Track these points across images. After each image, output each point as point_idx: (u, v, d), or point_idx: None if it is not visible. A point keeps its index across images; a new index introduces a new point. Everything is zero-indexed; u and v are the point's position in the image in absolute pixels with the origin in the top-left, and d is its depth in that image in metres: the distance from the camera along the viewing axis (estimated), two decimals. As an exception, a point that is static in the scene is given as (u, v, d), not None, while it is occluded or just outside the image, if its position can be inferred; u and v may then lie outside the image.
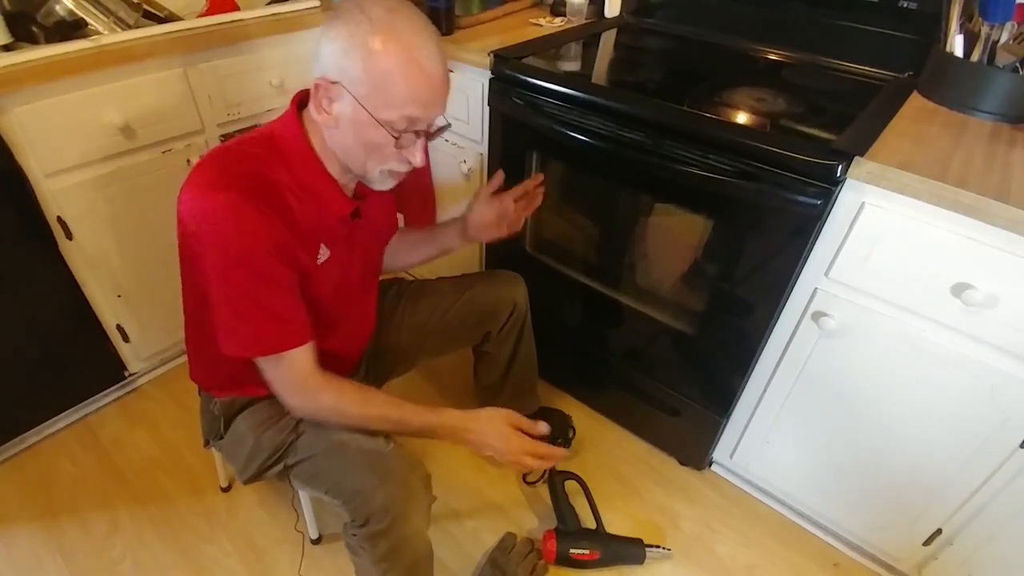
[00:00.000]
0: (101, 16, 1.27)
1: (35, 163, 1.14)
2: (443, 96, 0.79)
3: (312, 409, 0.88)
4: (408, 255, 1.19)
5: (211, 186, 0.75)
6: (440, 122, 0.82)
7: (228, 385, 0.97)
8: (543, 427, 0.96)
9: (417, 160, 0.80)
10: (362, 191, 0.91)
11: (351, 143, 0.79)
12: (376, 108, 0.74)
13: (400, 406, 0.89)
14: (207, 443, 1.05)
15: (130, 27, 1.29)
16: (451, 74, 1.37)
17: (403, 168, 0.82)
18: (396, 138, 0.76)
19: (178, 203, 0.78)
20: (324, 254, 0.87)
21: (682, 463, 1.45)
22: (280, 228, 0.77)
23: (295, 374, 0.84)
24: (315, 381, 0.85)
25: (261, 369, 0.85)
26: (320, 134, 0.81)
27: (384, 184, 0.85)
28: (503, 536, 1.25)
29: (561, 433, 1.44)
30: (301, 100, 0.83)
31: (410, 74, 0.73)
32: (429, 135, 0.81)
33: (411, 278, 1.32)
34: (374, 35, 0.71)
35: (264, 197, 0.76)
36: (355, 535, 0.89)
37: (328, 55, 0.74)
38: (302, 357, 0.84)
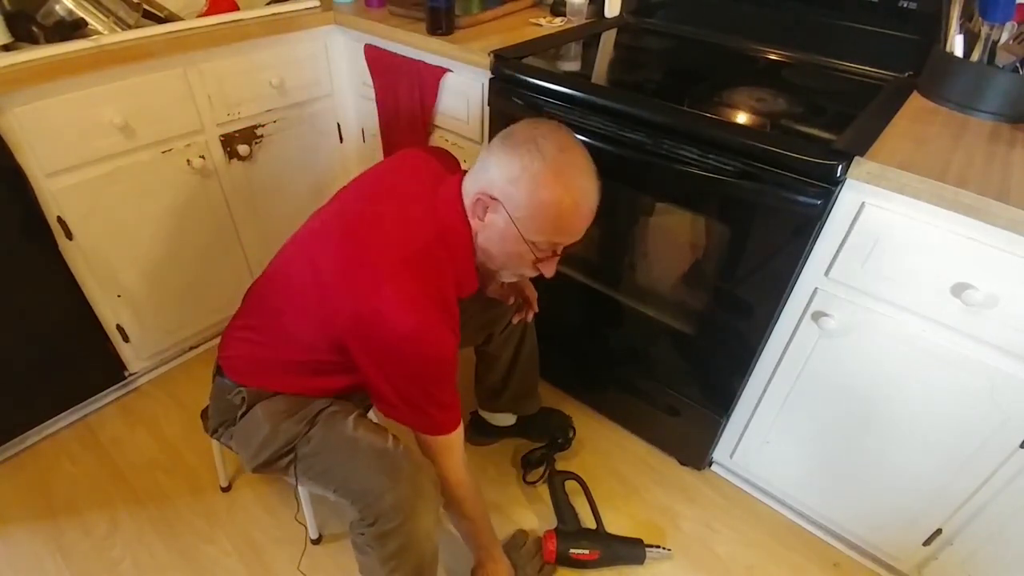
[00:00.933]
0: (101, 16, 1.27)
1: (35, 163, 1.14)
2: (587, 226, 0.86)
3: (443, 486, 0.94)
4: None
5: (413, 305, 0.79)
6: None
7: (268, 384, 0.96)
8: None
9: (549, 274, 0.90)
10: None
11: (495, 249, 0.87)
12: (527, 231, 0.83)
13: (486, 519, 1.07)
14: (215, 431, 1.03)
15: (130, 27, 1.29)
16: (451, 74, 1.37)
17: (533, 275, 0.91)
18: (537, 257, 0.86)
19: (359, 292, 0.80)
20: None
21: (682, 463, 1.45)
22: (457, 332, 0.85)
23: (450, 458, 0.94)
24: (459, 474, 0.96)
25: (419, 443, 0.93)
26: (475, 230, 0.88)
27: (508, 279, 0.94)
28: (514, 533, 1.25)
29: (561, 433, 1.45)
30: (459, 187, 0.88)
31: (566, 213, 0.82)
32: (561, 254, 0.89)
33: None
34: (545, 172, 0.79)
35: (450, 310, 0.84)
36: (363, 534, 0.89)
37: (496, 176, 0.82)
38: (456, 441, 0.93)
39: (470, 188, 0.86)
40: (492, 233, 0.85)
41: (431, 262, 0.84)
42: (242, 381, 0.97)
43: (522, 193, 0.80)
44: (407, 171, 0.96)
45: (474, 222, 0.86)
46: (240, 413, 0.97)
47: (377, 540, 0.88)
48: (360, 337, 0.82)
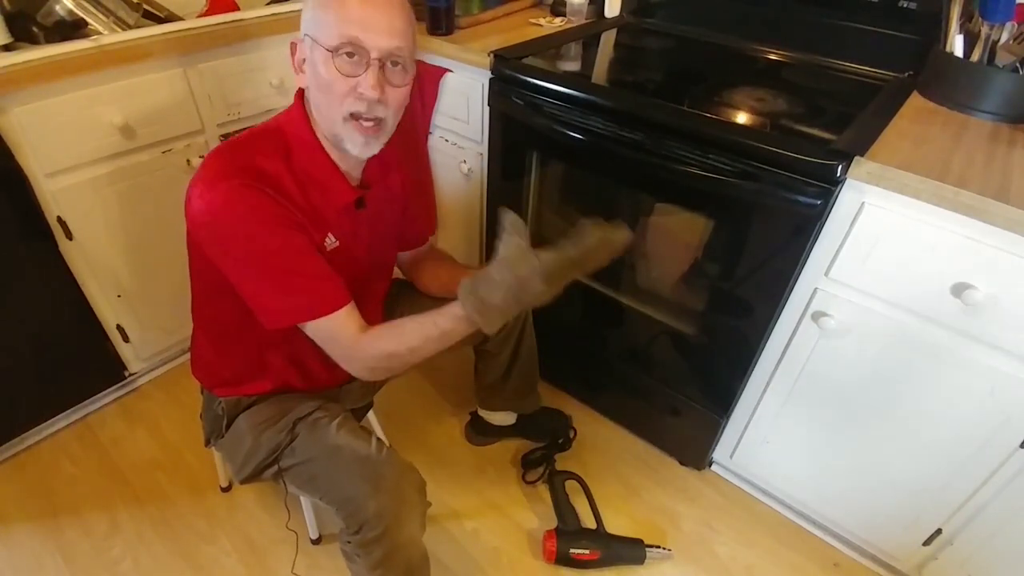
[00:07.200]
0: (101, 16, 1.27)
1: (35, 163, 1.13)
2: (383, 16, 0.76)
3: (372, 364, 0.87)
4: (427, 282, 1.16)
5: (217, 178, 0.78)
6: (390, 48, 0.77)
7: (229, 382, 0.98)
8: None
9: (367, 89, 0.76)
10: (367, 180, 0.93)
11: (316, 95, 0.80)
12: (318, 34, 0.76)
13: (434, 323, 0.84)
14: (208, 442, 1.05)
15: (130, 27, 1.29)
16: (451, 74, 1.37)
17: (360, 107, 0.78)
18: (331, 53, 0.74)
19: (186, 200, 0.81)
20: (332, 242, 0.89)
21: (682, 463, 1.45)
22: (288, 208, 0.80)
23: (349, 333, 0.84)
24: (367, 337, 0.85)
25: (317, 340, 0.85)
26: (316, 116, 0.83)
27: (358, 142, 0.81)
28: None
29: (562, 433, 1.45)
30: (305, 92, 0.85)
31: None
32: (382, 66, 0.77)
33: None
34: None
35: (268, 184, 0.79)
36: (349, 542, 0.89)
37: (302, 19, 0.79)
38: (349, 316, 0.84)
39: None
40: (309, 73, 0.79)
41: (244, 147, 0.82)
42: (214, 391, 0.99)
43: (308, 7, 0.76)
44: None
45: (299, 78, 0.81)
46: (224, 424, 0.98)
47: (362, 548, 0.87)
48: (198, 238, 0.82)
